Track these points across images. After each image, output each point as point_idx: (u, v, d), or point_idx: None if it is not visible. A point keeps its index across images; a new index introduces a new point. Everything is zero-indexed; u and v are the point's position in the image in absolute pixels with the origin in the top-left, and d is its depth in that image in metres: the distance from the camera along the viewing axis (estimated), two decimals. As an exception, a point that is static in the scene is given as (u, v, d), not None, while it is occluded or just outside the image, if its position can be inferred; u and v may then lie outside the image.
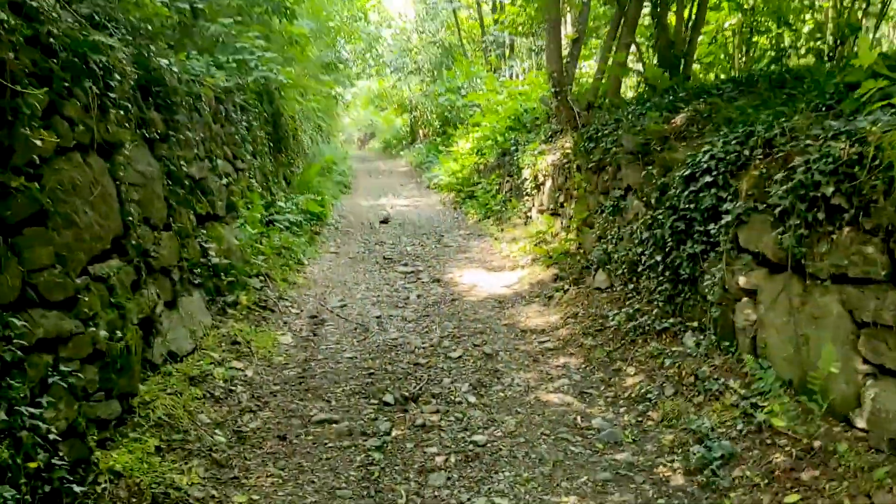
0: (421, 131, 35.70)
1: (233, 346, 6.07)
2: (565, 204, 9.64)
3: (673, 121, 7.36)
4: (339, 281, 9.12)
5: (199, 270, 6.85)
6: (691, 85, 8.34)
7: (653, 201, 6.50)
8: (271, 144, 12.55)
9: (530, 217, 11.41)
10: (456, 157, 16.69)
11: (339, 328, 7.22)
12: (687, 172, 5.76)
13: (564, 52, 11.52)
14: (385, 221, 13.89)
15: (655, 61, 10.44)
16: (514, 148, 12.10)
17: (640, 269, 6.69)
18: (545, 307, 7.58)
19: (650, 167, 6.73)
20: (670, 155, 6.55)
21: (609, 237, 7.64)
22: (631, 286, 6.83)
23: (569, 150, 9.87)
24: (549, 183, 10.46)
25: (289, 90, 13.39)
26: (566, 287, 7.78)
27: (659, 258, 6.22)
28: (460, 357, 6.29)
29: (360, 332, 7.10)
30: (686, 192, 5.75)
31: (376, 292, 8.57)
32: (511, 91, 14.79)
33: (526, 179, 11.16)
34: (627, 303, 6.70)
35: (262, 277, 8.21)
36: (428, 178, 19.65)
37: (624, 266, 7.03)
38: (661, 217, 6.20)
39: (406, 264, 10.04)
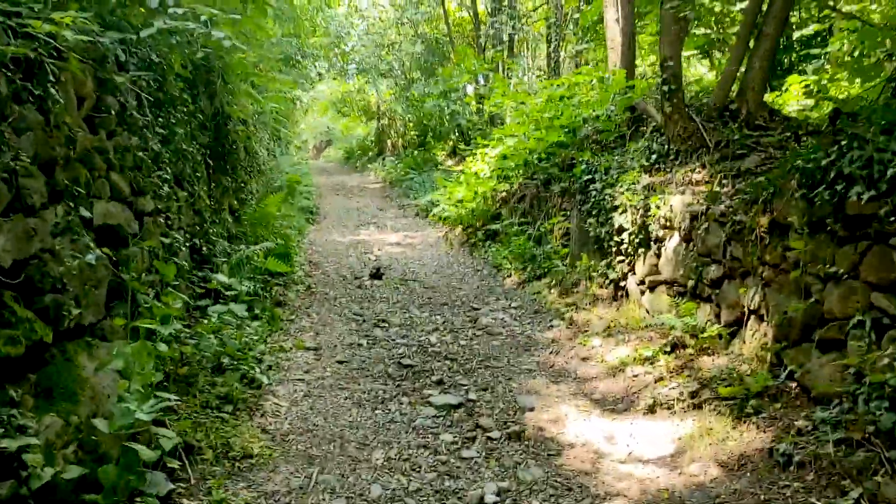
0: (389, 142, 31.53)
1: None
2: (732, 285, 5.46)
3: None
4: (328, 436, 4.74)
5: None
6: None
7: None
8: (210, 162, 8.13)
9: (625, 290, 7.23)
10: (467, 181, 12.42)
11: None
12: None
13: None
14: (378, 275, 9.55)
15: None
16: (588, 178, 7.89)
17: None
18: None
19: None
20: None
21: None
22: None
23: (719, 190, 5.73)
24: (673, 240, 6.29)
25: (237, 79, 8.97)
26: (846, 506, 3.57)
27: None
28: None
29: None
30: None
31: (409, 478, 4.24)
32: (552, 93, 10.61)
33: (624, 230, 6.96)
34: None
35: (175, 460, 3.82)
36: (421, 205, 15.33)
37: None
38: None
39: (441, 381, 5.71)
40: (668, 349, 5.65)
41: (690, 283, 5.89)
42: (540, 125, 10.39)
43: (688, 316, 5.83)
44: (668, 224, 6.35)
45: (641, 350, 5.82)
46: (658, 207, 6.43)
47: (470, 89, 21.82)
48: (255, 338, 6.03)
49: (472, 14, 20.72)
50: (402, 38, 24.25)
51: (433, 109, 20.00)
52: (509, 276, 9.16)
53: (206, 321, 5.50)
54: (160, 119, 6.07)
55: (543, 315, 7.48)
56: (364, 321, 7.47)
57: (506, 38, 19.82)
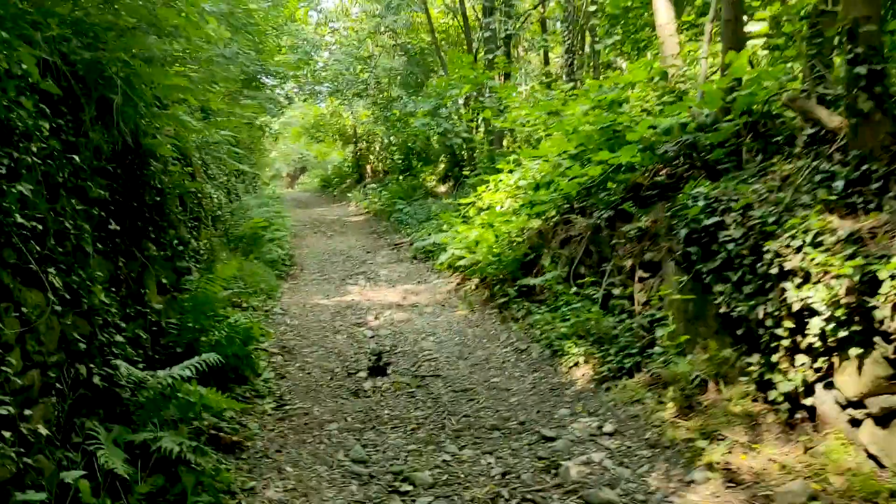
0: (369, 167, 28.77)
1: None
2: None
3: None
4: None
5: None
6: None
7: None
8: (115, 227, 5.17)
9: (811, 412, 4.31)
10: (486, 218, 9.52)
11: None
12: None
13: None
14: (380, 369, 6.63)
15: None
16: (714, 220, 4.97)
17: None
18: None
19: None
20: None
21: None
22: None
23: None
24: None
25: (165, 94, 6.02)
26: None
27: None
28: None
29: None
30: None
31: None
32: (601, 97, 7.77)
33: (812, 312, 4.06)
34: None
35: None
36: (420, 248, 12.42)
37: None
38: None
39: None
40: None
41: None
42: (591, 142, 7.53)
43: None
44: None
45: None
46: (898, 279, 3.56)
47: (460, 102, 19.14)
48: None
49: (460, 16, 17.90)
50: (380, 50, 21.45)
51: (422, 129, 17.12)
52: (575, 364, 6.23)
53: None
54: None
55: (667, 453, 4.54)
56: (371, 478, 4.50)
57: (500, 42, 17.06)
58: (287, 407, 5.81)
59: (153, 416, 4.38)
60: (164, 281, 6.18)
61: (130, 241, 5.63)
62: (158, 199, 6.29)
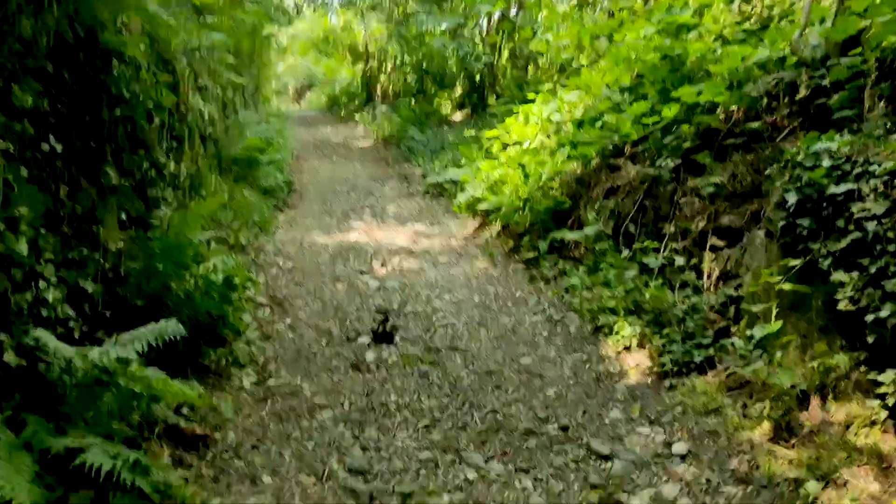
0: (379, 87, 27.11)
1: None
2: None
3: None
4: None
5: None
6: None
7: None
8: (57, 147, 3.95)
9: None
10: (513, 155, 8.25)
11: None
12: None
13: None
14: (386, 334, 5.52)
15: None
16: (845, 188, 3.74)
17: None
18: None
19: None
20: None
21: None
22: None
23: None
24: None
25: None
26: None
27: None
28: None
29: None
30: None
31: None
32: (669, 19, 6.39)
33: None
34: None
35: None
36: (433, 184, 11.17)
37: None
38: None
39: None
40: None
41: None
42: (655, 73, 6.21)
43: None
44: None
45: None
46: None
47: (484, 24, 17.60)
48: None
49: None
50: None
51: (439, 49, 15.59)
52: (626, 348, 5.10)
53: None
54: None
55: (765, 495, 3.43)
56: (371, 502, 3.43)
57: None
58: (271, 382, 4.72)
59: (83, 408, 3.28)
60: (123, 217, 4.98)
61: (80, 167, 4.42)
62: (115, 114, 5.03)
